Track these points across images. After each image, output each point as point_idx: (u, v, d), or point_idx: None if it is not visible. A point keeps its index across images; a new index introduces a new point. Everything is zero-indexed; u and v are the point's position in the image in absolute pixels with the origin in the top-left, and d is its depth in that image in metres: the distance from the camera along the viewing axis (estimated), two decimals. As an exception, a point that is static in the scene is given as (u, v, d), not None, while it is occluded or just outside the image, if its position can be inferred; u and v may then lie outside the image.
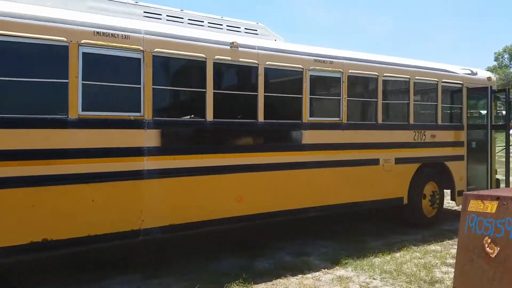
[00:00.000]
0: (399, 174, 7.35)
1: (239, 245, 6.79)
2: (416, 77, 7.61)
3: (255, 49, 5.95)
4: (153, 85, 5.10)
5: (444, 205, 8.66)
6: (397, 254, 6.35)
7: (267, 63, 5.99)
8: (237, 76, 6.23)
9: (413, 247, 6.71)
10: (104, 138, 4.82)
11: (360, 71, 6.97)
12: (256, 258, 6.15)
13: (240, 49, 5.77)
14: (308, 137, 6.37)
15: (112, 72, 5.00)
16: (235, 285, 5.14)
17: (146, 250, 6.34)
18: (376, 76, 7.11)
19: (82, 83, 4.65)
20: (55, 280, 5.27)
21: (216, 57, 5.57)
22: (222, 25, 6.29)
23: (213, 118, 5.53)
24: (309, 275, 5.54)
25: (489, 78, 8.91)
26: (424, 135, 7.65)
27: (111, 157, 4.86)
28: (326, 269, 5.73)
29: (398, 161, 7.32)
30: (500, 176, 9.16)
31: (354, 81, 6.92)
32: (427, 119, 7.97)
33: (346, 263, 5.90)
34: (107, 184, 4.83)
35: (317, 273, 5.59)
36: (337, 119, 6.70)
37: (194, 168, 5.41)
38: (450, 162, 8.01)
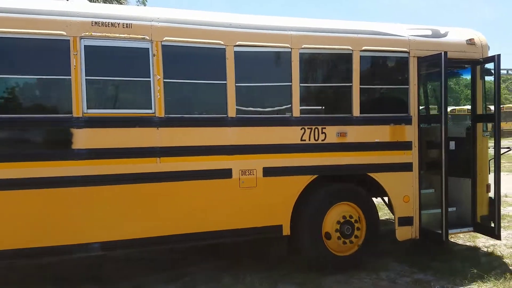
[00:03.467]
0: (272, 192, 4.96)
1: None
2: (304, 46, 5.01)
3: None
4: None
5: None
6: (483, 260, 5.83)
7: None
8: None
9: (500, 253, 6.04)
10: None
11: (188, 38, 4.63)
12: None
13: None
14: (85, 139, 4.33)
15: None
16: (306, 279, 5.06)
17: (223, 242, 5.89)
18: (222, 47, 4.72)
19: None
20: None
21: None
22: None
23: None
24: (384, 277, 5.29)
25: (470, 42, 5.69)
26: (324, 133, 5.12)
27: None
28: (403, 272, 5.43)
29: (270, 172, 4.95)
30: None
31: (178, 54, 4.67)
32: (334, 110, 5.37)
33: (426, 267, 5.52)
34: None
35: (393, 275, 5.32)
36: (149, 111, 4.53)
37: None
38: (380, 173, 5.34)
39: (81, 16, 4.35)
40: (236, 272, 5.35)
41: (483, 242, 6.59)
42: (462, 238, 6.83)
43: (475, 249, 6.36)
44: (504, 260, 5.83)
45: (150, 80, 4.54)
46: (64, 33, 4.25)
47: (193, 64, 4.84)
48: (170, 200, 4.63)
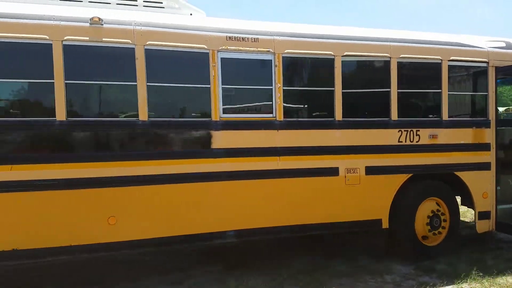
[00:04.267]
0: (373, 188, 5.52)
1: (317, 245, 6.63)
2: (402, 55, 5.58)
3: (131, 25, 4.62)
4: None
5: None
6: (490, 263, 5.77)
7: (148, 42, 4.63)
8: (104, 60, 4.66)
9: (508, 255, 6.09)
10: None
11: (303, 50, 5.21)
12: (334, 259, 5.96)
13: (105, 26, 4.53)
14: (221, 140, 4.92)
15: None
16: (310, 283, 5.06)
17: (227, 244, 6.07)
18: (332, 57, 5.29)
19: None
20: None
21: (67, 37, 4.39)
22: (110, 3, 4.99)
23: (66, 117, 4.40)
24: (389, 280, 5.29)
25: None
26: (417, 135, 5.67)
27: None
28: (408, 275, 5.42)
29: (372, 171, 5.50)
30: None
31: (294, 64, 5.30)
32: (425, 113, 5.96)
33: (431, 270, 5.54)
34: None
35: (398, 278, 5.31)
36: (270, 116, 5.11)
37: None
38: (464, 172, 5.88)
39: (218, 32, 4.92)
40: (241, 274, 5.39)
41: (490, 244, 6.72)
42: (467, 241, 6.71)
43: (482, 251, 6.28)
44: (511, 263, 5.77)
45: (272, 88, 5.10)
46: (205, 46, 4.81)
47: (309, 72, 5.44)
48: (287, 194, 5.21)
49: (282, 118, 5.13)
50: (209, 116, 4.90)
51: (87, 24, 4.50)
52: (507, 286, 5.03)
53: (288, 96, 5.18)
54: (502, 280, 5.18)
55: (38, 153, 4.38)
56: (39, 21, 4.37)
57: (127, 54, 4.61)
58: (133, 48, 4.62)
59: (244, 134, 5.06)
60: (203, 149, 4.91)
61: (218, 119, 4.92)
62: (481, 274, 5.27)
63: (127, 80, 4.64)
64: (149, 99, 4.66)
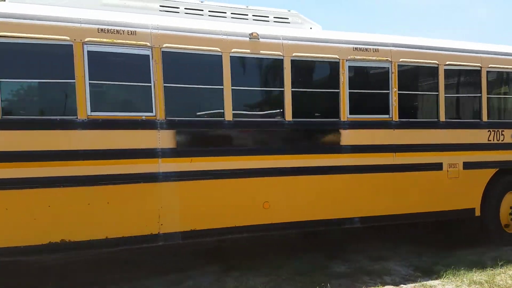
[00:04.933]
0: (469, 181, 6.31)
1: (316, 246, 6.75)
2: (490, 65, 6.41)
3: (279, 39, 5.45)
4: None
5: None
6: (489, 264, 5.81)
7: (294, 54, 5.42)
8: (260, 70, 5.62)
9: (509, 257, 6.14)
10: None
11: (414, 59, 6.01)
12: (332, 260, 6.06)
13: (261, 40, 5.35)
14: (348, 137, 5.68)
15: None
16: (308, 285, 5.08)
17: (226, 244, 6.55)
18: (436, 65, 6.09)
19: None
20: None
21: (233, 50, 5.20)
22: (247, 15, 5.80)
23: (233, 118, 5.19)
24: (388, 281, 5.32)
25: None
26: (502, 134, 6.52)
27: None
28: (407, 276, 5.49)
29: (468, 166, 6.30)
30: None
31: (406, 71, 6.06)
32: (507, 116, 6.76)
33: (430, 271, 5.61)
34: None
35: (397, 280, 5.36)
36: (387, 116, 5.94)
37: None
38: None
39: (346, 43, 5.70)
40: (240, 275, 5.44)
41: (487, 247, 6.73)
42: (465, 241, 6.96)
43: (481, 253, 6.38)
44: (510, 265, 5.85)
45: (389, 92, 5.88)
46: (337, 56, 5.65)
47: (418, 79, 6.32)
48: (401, 186, 5.96)
49: (397, 119, 5.90)
50: (338, 116, 5.67)
51: (247, 39, 5.27)
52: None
53: (402, 99, 5.97)
54: (502, 281, 5.20)
55: (213, 147, 5.22)
56: (211, 36, 5.17)
57: (277, 64, 5.42)
58: (282, 59, 5.41)
59: (366, 132, 5.84)
60: (334, 145, 5.68)
61: (345, 119, 5.68)
62: (480, 275, 5.38)
63: (277, 86, 5.53)
64: (293, 103, 5.43)
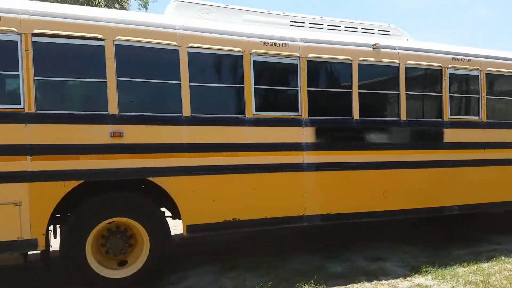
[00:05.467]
0: None
1: (314, 245, 6.92)
2: None
3: (396, 49, 6.69)
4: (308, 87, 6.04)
5: None
6: (484, 265, 6.02)
7: (408, 62, 6.63)
8: (379, 75, 6.78)
9: (503, 257, 6.37)
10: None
11: (499, 69, 7.37)
12: (330, 260, 6.21)
13: (381, 50, 6.55)
14: (449, 135, 6.91)
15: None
16: (306, 285, 5.21)
17: (225, 243, 6.78)
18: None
19: None
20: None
21: (361, 58, 6.36)
22: (357, 28, 6.97)
23: (359, 116, 6.33)
24: (385, 281, 5.43)
25: None
26: None
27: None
28: (403, 276, 5.61)
29: None
30: None
31: (493, 79, 7.35)
32: None
33: (426, 271, 5.74)
34: None
35: (393, 280, 5.48)
36: (477, 117, 7.22)
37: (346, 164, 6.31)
38: None
39: (447, 54, 7.14)
40: (237, 275, 5.60)
41: (484, 246, 7.18)
42: (462, 243, 7.38)
43: (477, 254, 6.65)
44: (506, 265, 6.06)
45: (479, 97, 7.22)
46: (440, 65, 7.01)
47: (500, 85, 7.55)
48: (491, 178, 7.20)
49: (485, 120, 7.25)
50: (441, 117, 6.93)
51: (371, 49, 6.49)
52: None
53: (488, 102, 7.35)
54: (497, 282, 5.31)
55: (344, 143, 6.38)
56: (343, 47, 6.32)
57: (394, 71, 6.62)
58: (398, 66, 6.65)
59: (462, 131, 7.09)
60: (437, 143, 6.90)
61: (447, 119, 6.93)
62: (476, 275, 5.50)
63: (394, 90, 6.66)
64: (407, 106, 6.64)
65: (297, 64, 5.87)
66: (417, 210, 6.62)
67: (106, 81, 4.83)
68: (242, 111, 5.60)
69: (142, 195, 5.24)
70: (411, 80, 6.64)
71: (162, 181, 5.14)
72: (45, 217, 4.69)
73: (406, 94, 6.49)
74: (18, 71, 4.62)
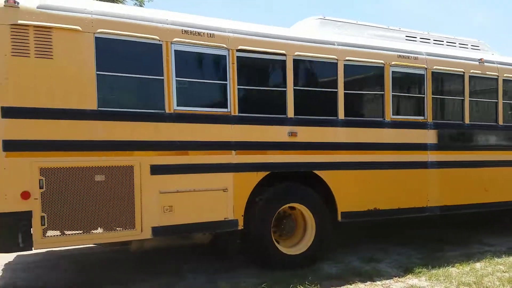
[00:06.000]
0: None
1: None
2: None
3: (495, 63, 7.77)
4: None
5: None
6: (478, 266, 6.08)
7: (504, 75, 7.76)
8: (483, 87, 7.84)
9: (496, 259, 6.44)
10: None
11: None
12: (324, 261, 6.19)
13: (485, 64, 7.64)
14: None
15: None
16: (301, 286, 5.20)
17: (219, 246, 6.26)
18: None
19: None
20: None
21: (471, 71, 7.43)
22: (443, 41, 7.85)
23: (469, 121, 7.44)
24: (379, 282, 5.47)
25: None
26: None
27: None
28: (397, 277, 5.64)
29: None
30: None
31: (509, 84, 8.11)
32: None
33: (419, 272, 5.77)
34: None
35: (387, 281, 5.51)
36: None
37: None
38: None
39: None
40: (232, 277, 5.63)
41: (477, 248, 7.29)
42: (455, 244, 7.49)
43: (470, 255, 6.69)
44: (499, 266, 6.11)
45: None
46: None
47: None
48: None
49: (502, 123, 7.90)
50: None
51: (477, 63, 7.52)
52: (495, 288, 5.28)
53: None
54: (489, 283, 5.35)
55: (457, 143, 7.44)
56: (458, 61, 7.39)
57: (493, 83, 7.68)
58: (497, 79, 7.67)
59: None
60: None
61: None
62: (469, 276, 5.56)
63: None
64: (504, 114, 7.71)
65: (424, 74, 7.01)
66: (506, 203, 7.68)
67: (286, 90, 5.96)
68: (382, 115, 6.70)
69: (304, 185, 6.21)
70: (507, 91, 7.75)
71: (323, 174, 6.18)
72: (243, 201, 5.72)
73: (502, 103, 7.64)
74: (226, 81, 5.63)
